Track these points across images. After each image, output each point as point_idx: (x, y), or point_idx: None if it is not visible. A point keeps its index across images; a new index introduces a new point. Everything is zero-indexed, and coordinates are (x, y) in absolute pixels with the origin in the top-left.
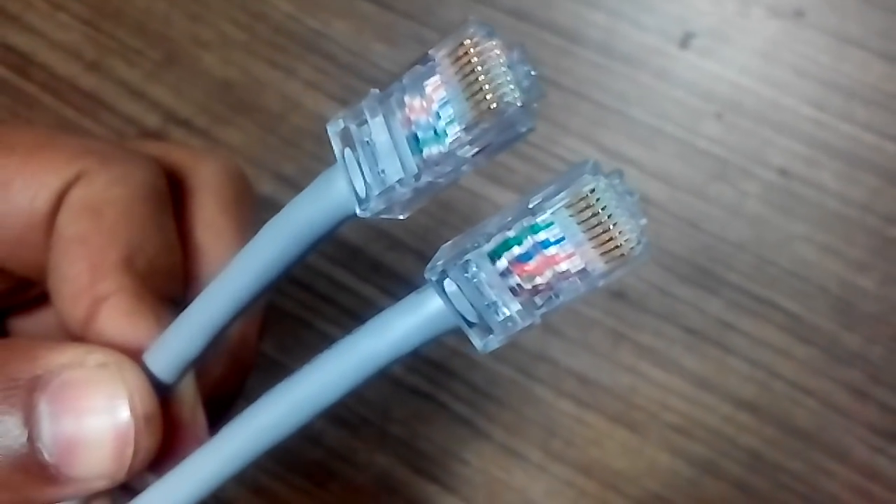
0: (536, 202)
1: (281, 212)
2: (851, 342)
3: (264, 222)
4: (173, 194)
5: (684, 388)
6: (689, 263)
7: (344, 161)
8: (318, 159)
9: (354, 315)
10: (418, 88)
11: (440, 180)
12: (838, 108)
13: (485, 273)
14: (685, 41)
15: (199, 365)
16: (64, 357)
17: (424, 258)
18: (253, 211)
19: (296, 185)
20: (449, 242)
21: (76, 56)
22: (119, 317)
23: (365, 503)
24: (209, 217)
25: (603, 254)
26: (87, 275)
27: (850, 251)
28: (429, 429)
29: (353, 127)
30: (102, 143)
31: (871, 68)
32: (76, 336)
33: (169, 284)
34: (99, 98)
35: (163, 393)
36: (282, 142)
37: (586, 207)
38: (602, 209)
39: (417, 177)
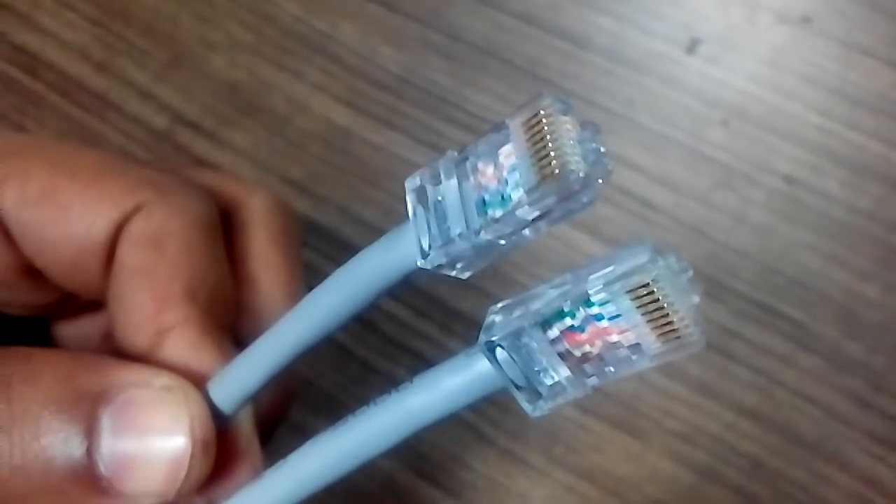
0: (596, 287)
1: (351, 260)
2: (854, 351)
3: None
4: (223, 226)
5: (687, 395)
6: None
7: (415, 217)
8: (325, 162)
9: (371, 326)
10: (492, 156)
11: (501, 242)
12: (845, 116)
13: (536, 342)
14: (692, 47)
15: (256, 399)
16: (130, 375)
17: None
18: (299, 244)
19: (302, 189)
20: (500, 305)
21: (84, 56)
22: (184, 347)
23: None
24: (260, 249)
25: (659, 336)
26: (152, 306)
27: (854, 260)
28: (433, 434)
29: (428, 186)
30: (158, 174)
31: (878, 76)
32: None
33: (227, 315)
34: (107, 98)
35: (220, 422)
36: (288, 144)
37: (647, 294)
38: (663, 296)
39: (477, 232)
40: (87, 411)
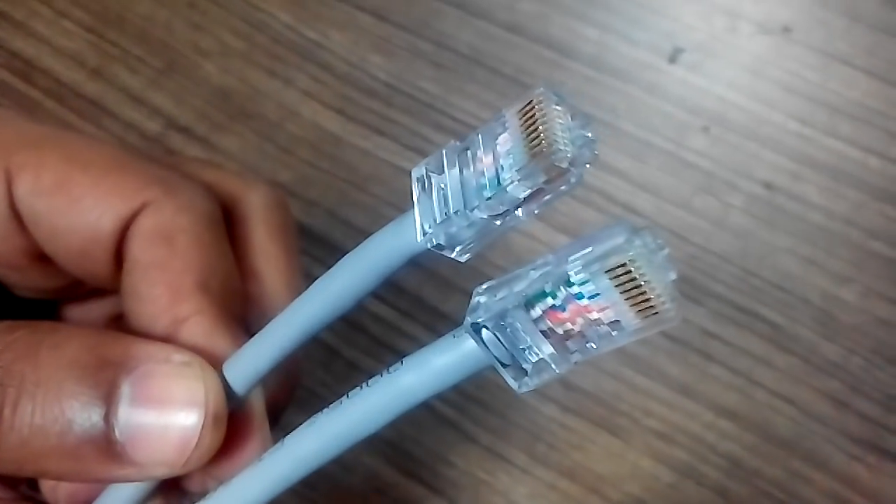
0: (575, 268)
1: (358, 246)
2: (831, 353)
3: None
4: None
5: (667, 395)
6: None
7: (419, 203)
8: (314, 167)
9: (358, 327)
10: (491, 146)
11: (496, 222)
12: (823, 124)
13: (519, 322)
14: (674, 56)
15: (263, 385)
16: (151, 350)
17: (416, 265)
18: (296, 238)
19: (292, 193)
20: (484, 287)
21: (79, 63)
22: (200, 335)
23: (353, 503)
24: (261, 243)
25: (638, 312)
26: (168, 298)
27: (832, 264)
28: (416, 431)
29: (433, 175)
30: (165, 171)
31: (856, 85)
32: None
33: (236, 306)
34: (101, 104)
35: (232, 403)
36: (278, 150)
37: (625, 273)
38: (640, 275)
39: (472, 209)
40: (108, 379)
